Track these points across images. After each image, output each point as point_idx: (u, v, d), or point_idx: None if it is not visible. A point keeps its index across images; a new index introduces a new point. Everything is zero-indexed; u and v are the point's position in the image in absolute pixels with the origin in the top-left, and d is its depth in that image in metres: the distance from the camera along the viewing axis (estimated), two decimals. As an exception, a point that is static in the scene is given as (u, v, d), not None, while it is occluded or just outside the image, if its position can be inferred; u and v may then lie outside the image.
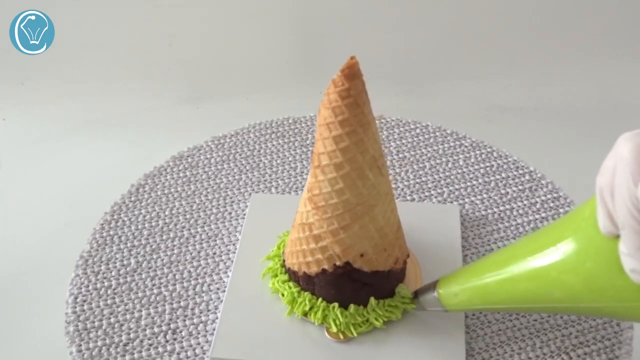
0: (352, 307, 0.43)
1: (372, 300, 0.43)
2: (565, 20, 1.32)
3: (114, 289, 0.48)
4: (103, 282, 0.49)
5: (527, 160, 0.59)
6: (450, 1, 1.31)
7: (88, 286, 0.48)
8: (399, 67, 1.27)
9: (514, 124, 1.19)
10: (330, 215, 0.40)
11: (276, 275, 0.46)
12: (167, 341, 0.45)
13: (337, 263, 0.41)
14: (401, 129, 0.63)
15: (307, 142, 0.62)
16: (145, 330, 0.45)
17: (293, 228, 0.44)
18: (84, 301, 0.47)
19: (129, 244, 0.52)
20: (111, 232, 0.53)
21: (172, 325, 0.46)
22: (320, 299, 0.44)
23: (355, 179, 0.38)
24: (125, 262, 0.50)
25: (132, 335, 0.45)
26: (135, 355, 0.44)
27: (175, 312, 0.47)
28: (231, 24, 1.30)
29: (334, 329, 0.44)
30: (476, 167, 0.58)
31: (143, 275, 0.49)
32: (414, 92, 1.24)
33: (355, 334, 0.43)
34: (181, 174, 0.58)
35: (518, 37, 1.32)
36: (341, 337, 0.44)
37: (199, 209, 0.55)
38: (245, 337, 0.44)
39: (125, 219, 0.54)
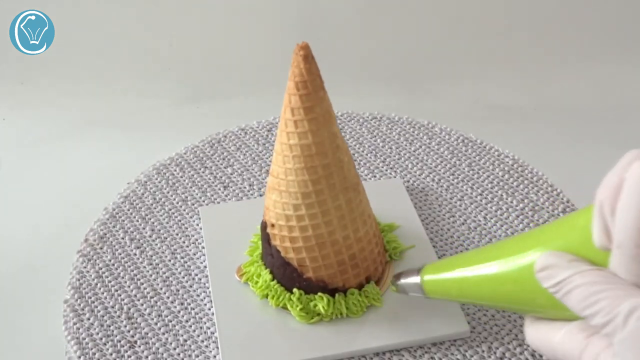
0: (296, 292, 0.44)
1: (296, 291, 0.44)
2: (565, 21, 1.32)
3: (113, 289, 0.48)
4: (101, 283, 0.49)
5: (527, 160, 0.59)
6: (450, 1, 1.31)
7: (87, 288, 0.48)
8: (398, 67, 1.26)
9: (514, 124, 1.19)
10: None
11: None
12: (171, 344, 0.45)
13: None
14: (400, 127, 0.63)
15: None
16: (145, 328, 0.46)
17: None
18: (83, 302, 0.47)
19: (126, 244, 0.52)
20: (109, 232, 0.53)
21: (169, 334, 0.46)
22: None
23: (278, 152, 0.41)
24: (123, 261, 0.50)
25: (131, 333, 0.45)
26: (133, 356, 0.44)
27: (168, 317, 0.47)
28: (231, 24, 1.30)
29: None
30: (476, 166, 0.58)
31: (139, 274, 0.49)
32: (414, 92, 1.23)
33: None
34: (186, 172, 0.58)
35: (518, 37, 1.32)
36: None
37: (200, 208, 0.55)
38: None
39: (124, 218, 0.54)
